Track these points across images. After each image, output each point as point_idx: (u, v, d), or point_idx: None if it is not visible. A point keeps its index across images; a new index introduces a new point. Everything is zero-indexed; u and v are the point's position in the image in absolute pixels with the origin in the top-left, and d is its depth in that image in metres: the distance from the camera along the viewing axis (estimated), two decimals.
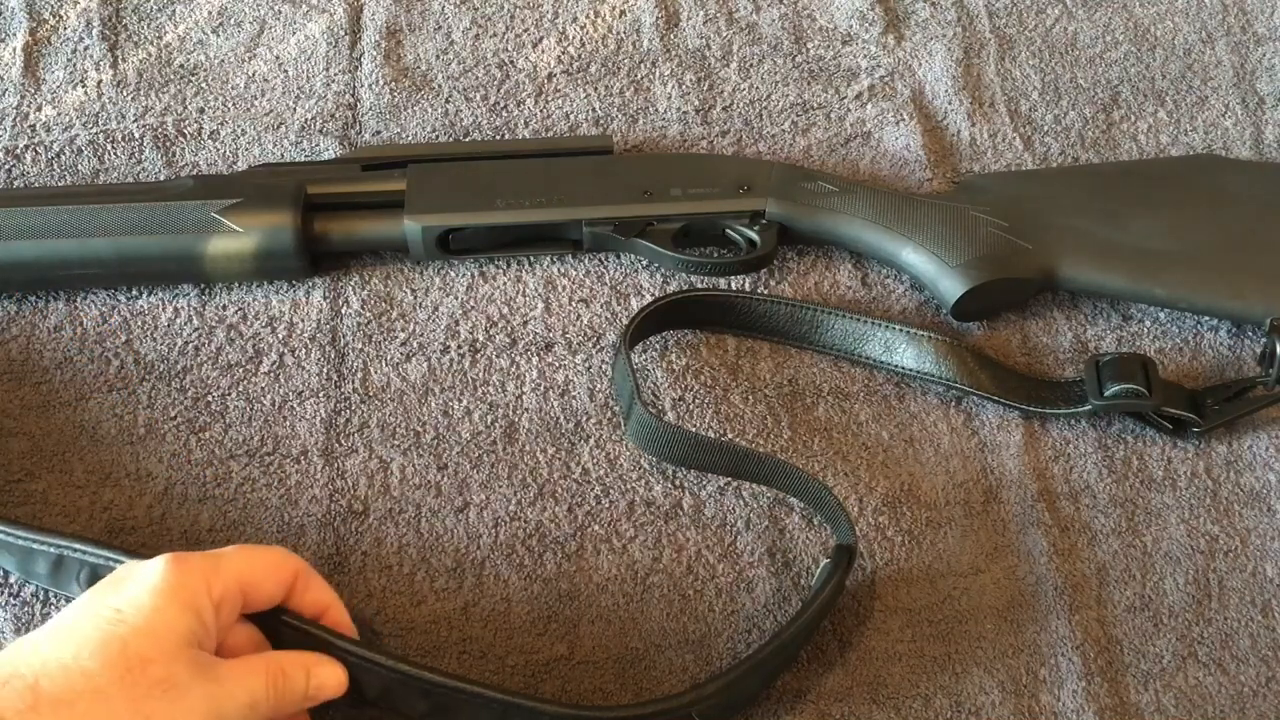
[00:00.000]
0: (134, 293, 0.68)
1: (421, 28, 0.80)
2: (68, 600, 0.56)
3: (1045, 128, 0.77)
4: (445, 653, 0.58)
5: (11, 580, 0.59)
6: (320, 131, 0.75)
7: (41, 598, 0.58)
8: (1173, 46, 0.80)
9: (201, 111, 0.76)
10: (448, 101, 0.77)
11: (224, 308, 0.68)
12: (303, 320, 0.68)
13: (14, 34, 0.79)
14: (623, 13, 0.81)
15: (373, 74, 0.77)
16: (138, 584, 0.46)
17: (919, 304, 0.69)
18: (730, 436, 0.64)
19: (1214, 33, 0.81)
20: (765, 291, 0.69)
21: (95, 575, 0.53)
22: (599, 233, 0.68)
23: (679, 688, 0.57)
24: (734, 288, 0.69)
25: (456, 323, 0.68)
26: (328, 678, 0.49)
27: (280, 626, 0.50)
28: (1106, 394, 0.62)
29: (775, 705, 0.56)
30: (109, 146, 0.74)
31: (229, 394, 0.65)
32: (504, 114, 0.76)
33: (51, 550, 0.54)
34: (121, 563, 0.52)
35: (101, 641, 0.44)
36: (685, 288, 0.68)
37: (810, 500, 0.61)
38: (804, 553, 0.61)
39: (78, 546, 0.53)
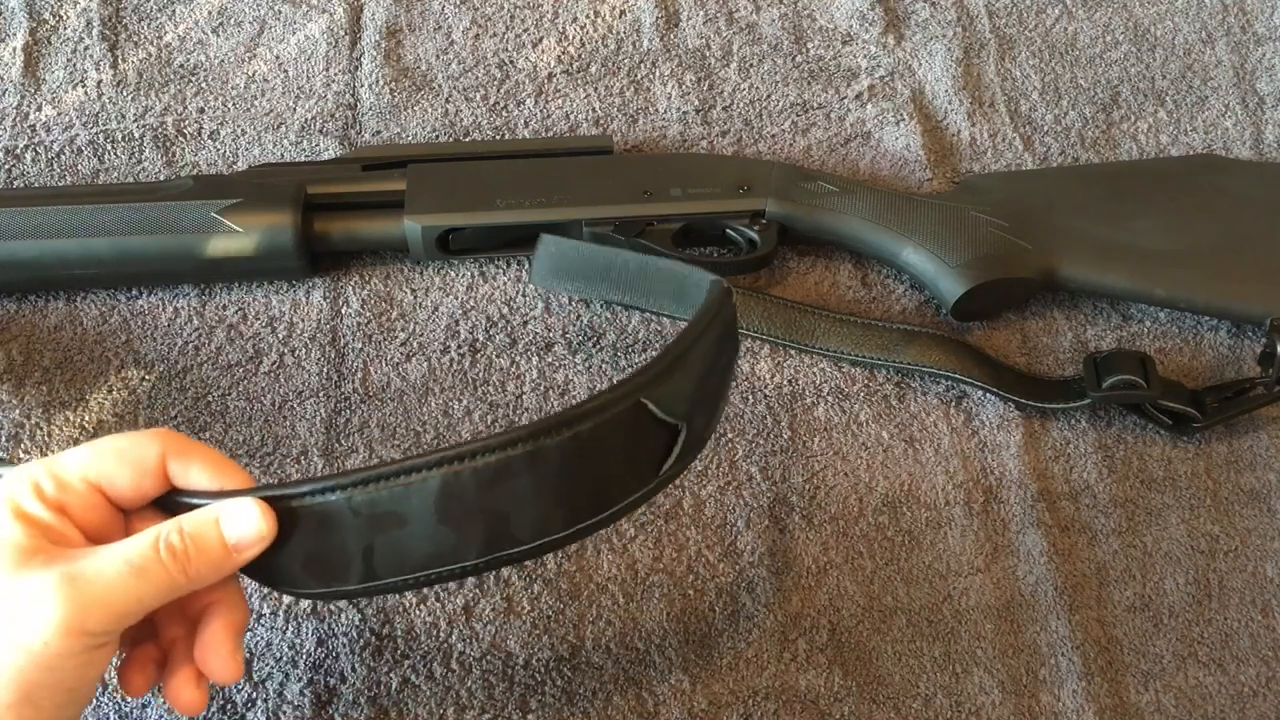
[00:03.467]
0: (134, 293, 0.68)
1: (421, 28, 0.80)
2: None
3: (1045, 128, 0.77)
4: (446, 653, 0.58)
5: None
6: (320, 131, 0.75)
7: None
8: (1173, 46, 0.80)
9: (201, 111, 0.76)
10: (448, 101, 0.77)
11: (224, 308, 0.68)
12: (303, 320, 0.68)
13: (14, 34, 0.79)
14: (623, 13, 0.81)
15: (373, 74, 0.77)
16: None
17: (919, 304, 0.69)
18: (744, 444, 0.64)
19: (1214, 33, 0.81)
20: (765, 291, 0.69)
21: None
22: (599, 233, 0.68)
23: (680, 688, 0.57)
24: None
25: (456, 323, 0.68)
26: (244, 519, 0.43)
27: (179, 510, 0.45)
28: (1104, 385, 0.62)
29: (776, 705, 0.56)
30: (109, 146, 0.74)
31: (229, 394, 0.65)
32: (504, 114, 0.76)
33: None
34: None
35: None
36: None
37: (680, 287, 0.60)
38: (804, 553, 0.61)
39: None
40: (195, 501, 0.45)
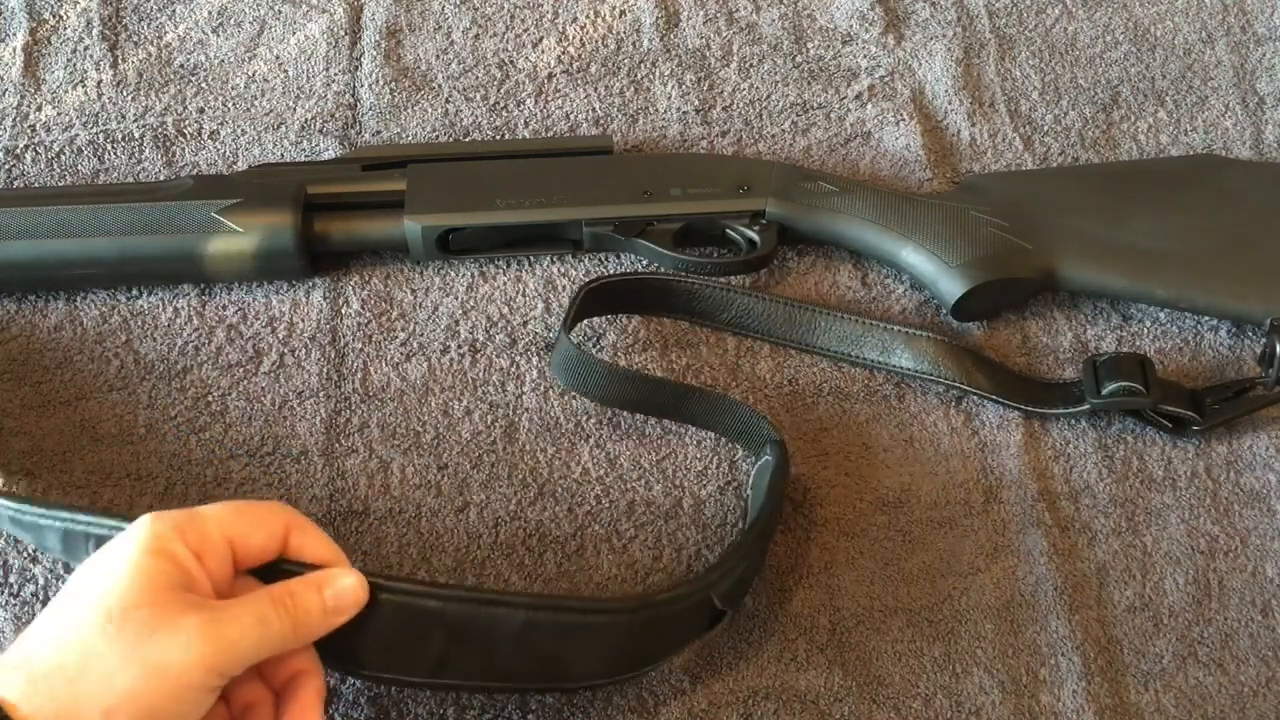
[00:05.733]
0: (134, 293, 0.68)
1: (421, 28, 0.80)
2: None
3: (1045, 128, 0.77)
4: None
5: (11, 580, 0.59)
6: (320, 131, 0.75)
7: (41, 597, 0.58)
8: (1173, 46, 0.80)
9: (201, 111, 0.76)
10: (448, 101, 0.77)
11: (224, 308, 0.68)
12: (303, 320, 0.68)
13: (14, 34, 0.79)
14: (623, 13, 0.81)
15: (373, 74, 0.77)
16: (118, 544, 0.46)
17: (919, 304, 0.69)
18: (745, 444, 0.64)
19: (1214, 33, 0.81)
20: (765, 291, 0.69)
21: (103, 544, 0.53)
22: (599, 233, 0.68)
23: (680, 688, 0.57)
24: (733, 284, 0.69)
25: (456, 323, 0.68)
26: (344, 587, 0.48)
27: (280, 576, 0.49)
28: (1104, 392, 0.62)
29: (776, 705, 0.56)
30: (109, 146, 0.74)
31: (229, 394, 0.65)
32: (504, 114, 0.76)
33: (58, 524, 0.54)
34: (122, 528, 0.52)
35: (86, 605, 0.44)
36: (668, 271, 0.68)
37: (727, 425, 0.63)
38: (804, 553, 0.61)
39: (80, 518, 0.53)
40: (297, 569, 0.49)
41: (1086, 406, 0.63)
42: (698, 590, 0.53)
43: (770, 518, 0.58)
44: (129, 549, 0.45)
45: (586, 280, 0.66)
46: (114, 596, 0.44)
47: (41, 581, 0.59)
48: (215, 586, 0.47)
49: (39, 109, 0.75)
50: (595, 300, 0.65)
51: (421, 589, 0.49)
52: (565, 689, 0.55)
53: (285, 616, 0.46)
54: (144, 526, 0.46)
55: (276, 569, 0.49)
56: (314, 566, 0.49)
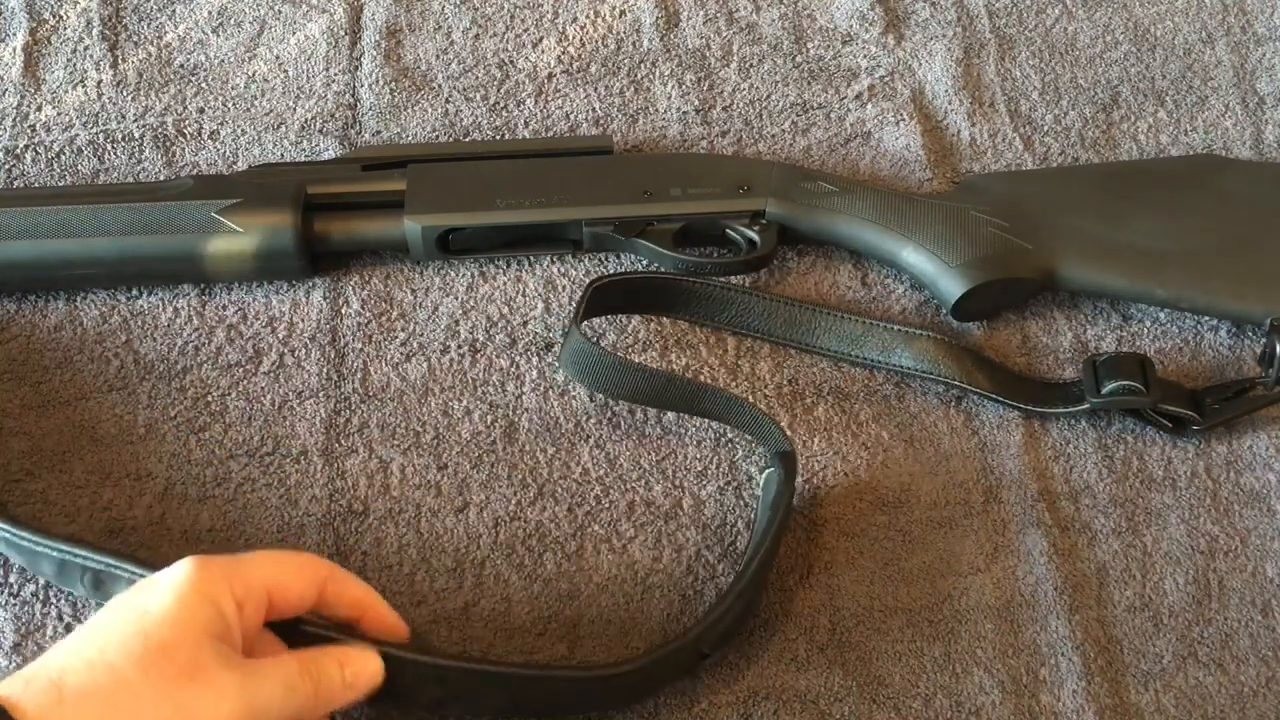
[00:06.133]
0: (134, 293, 0.68)
1: (421, 28, 0.80)
2: (69, 596, 0.57)
3: (1045, 128, 0.77)
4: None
5: (11, 580, 0.59)
6: (320, 131, 0.75)
7: (42, 597, 0.58)
8: (1173, 46, 0.80)
9: (201, 111, 0.76)
10: (448, 101, 0.77)
11: (224, 308, 0.68)
12: (303, 320, 0.68)
13: (14, 34, 0.79)
14: (623, 13, 0.81)
15: (373, 74, 0.77)
16: (161, 582, 0.46)
17: (919, 304, 0.69)
18: (744, 444, 0.64)
19: (1214, 33, 0.81)
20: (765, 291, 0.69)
21: (97, 579, 0.54)
22: (599, 233, 0.68)
23: (680, 687, 0.57)
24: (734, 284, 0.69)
25: (456, 323, 0.68)
26: (363, 665, 0.49)
27: (301, 636, 0.50)
28: (1104, 391, 0.62)
29: (776, 705, 0.56)
30: (109, 146, 0.74)
31: (229, 394, 0.65)
32: (504, 114, 0.76)
33: (54, 554, 0.55)
34: (120, 567, 0.53)
35: (125, 636, 0.44)
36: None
37: (740, 423, 0.62)
38: (804, 553, 0.61)
39: (79, 551, 0.54)
40: (318, 630, 0.50)
41: (1086, 406, 0.63)
42: (687, 646, 0.54)
43: (767, 554, 0.57)
44: (178, 587, 0.45)
45: (597, 277, 0.65)
46: (157, 632, 0.44)
47: (42, 582, 0.59)
48: (245, 637, 0.47)
49: (39, 109, 0.75)
50: (604, 297, 0.65)
51: (419, 659, 0.51)
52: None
53: (310, 686, 0.47)
54: (194, 569, 0.46)
55: (295, 628, 0.50)
56: (334, 628, 0.50)
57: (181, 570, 0.46)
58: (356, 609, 0.52)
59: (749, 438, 0.63)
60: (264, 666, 0.46)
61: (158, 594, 0.46)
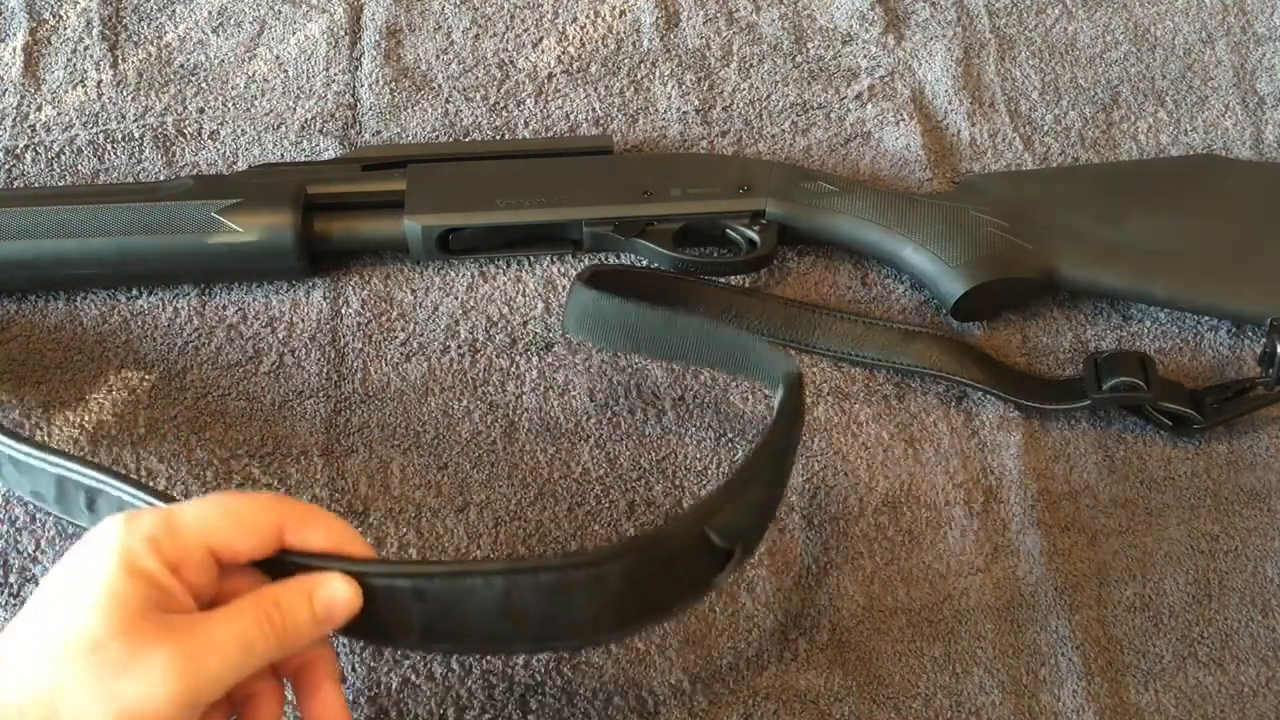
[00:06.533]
0: (134, 293, 0.68)
1: (421, 28, 0.80)
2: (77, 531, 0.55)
3: (1045, 128, 0.77)
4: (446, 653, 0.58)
5: (11, 580, 0.59)
6: (320, 131, 0.75)
7: None
8: (1173, 46, 0.80)
9: (201, 111, 0.76)
10: (448, 101, 0.77)
11: (224, 308, 0.68)
12: (303, 320, 0.68)
13: (14, 34, 0.79)
14: (623, 13, 0.81)
15: (373, 74, 0.77)
16: (82, 563, 0.43)
17: (919, 304, 0.69)
18: (745, 445, 0.64)
19: (1214, 33, 0.81)
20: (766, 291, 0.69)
21: (91, 499, 0.51)
22: (599, 233, 0.68)
23: (680, 688, 0.57)
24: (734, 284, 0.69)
25: (456, 323, 0.68)
26: (335, 594, 0.45)
27: (283, 568, 0.46)
28: (1105, 388, 0.62)
29: (776, 705, 0.56)
30: (109, 146, 0.74)
31: (229, 394, 0.65)
32: (504, 114, 0.76)
33: (51, 470, 0.52)
34: (113, 485, 0.50)
35: (49, 636, 0.41)
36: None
37: (742, 362, 0.60)
38: (805, 552, 0.61)
39: (73, 467, 0.52)
40: (298, 561, 0.46)
41: (1087, 402, 0.63)
42: (687, 527, 0.48)
43: (780, 440, 0.52)
44: (98, 569, 0.42)
45: (599, 263, 0.65)
46: (84, 629, 0.41)
47: (42, 582, 0.59)
48: (197, 594, 0.44)
49: (39, 109, 0.75)
50: (607, 282, 0.64)
51: (391, 569, 0.47)
52: (572, 647, 0.53)
53: (271, 634, 0.43)
54: (113, 538, 0.42)
55: (277, 561, 0.46)
56: (306, 555, 0.46)
57: (107, 544, 0.42)
58: (327, 551, 0.46)
59: (755, 380, 0.61)
60: (213, 625, 0.42)
61: (82, 579, 0.42)
